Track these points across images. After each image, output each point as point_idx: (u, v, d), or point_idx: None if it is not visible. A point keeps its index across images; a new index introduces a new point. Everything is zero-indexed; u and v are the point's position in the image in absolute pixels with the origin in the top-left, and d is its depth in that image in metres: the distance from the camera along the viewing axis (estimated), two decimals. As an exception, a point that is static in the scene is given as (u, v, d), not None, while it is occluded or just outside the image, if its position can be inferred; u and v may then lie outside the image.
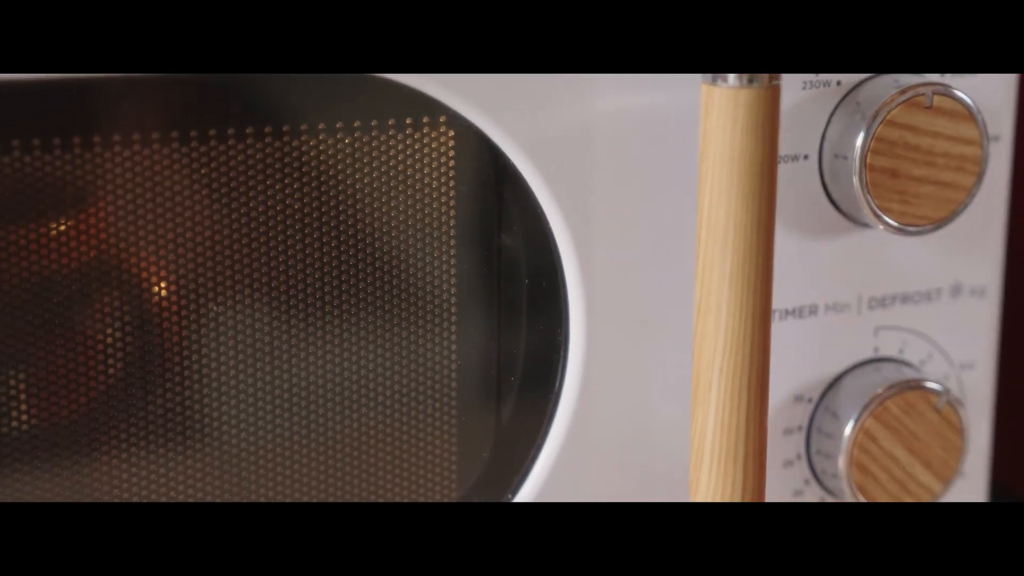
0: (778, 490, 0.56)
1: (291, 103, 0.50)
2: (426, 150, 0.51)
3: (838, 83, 0.53)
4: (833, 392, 0.55)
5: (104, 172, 0.48)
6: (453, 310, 0.53)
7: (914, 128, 0.52)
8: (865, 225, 0.54)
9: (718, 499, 0.48)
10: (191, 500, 0.51)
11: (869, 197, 0.52)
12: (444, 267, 0.52)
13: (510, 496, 0.54)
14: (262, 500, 0.52)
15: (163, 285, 0.50)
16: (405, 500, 0.53)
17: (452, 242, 0.52)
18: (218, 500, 0.51)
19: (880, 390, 0.54)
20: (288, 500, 0.52)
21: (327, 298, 0.51)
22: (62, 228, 0.48)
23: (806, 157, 0.53)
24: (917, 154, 0.52)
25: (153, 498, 0.51)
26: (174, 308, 0.50)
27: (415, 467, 0.53)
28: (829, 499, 0.56)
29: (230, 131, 0.49)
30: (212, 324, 0.50)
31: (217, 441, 0.51)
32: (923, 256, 0.56)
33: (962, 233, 0.56)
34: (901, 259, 0.55)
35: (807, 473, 0.56)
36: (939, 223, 0.53)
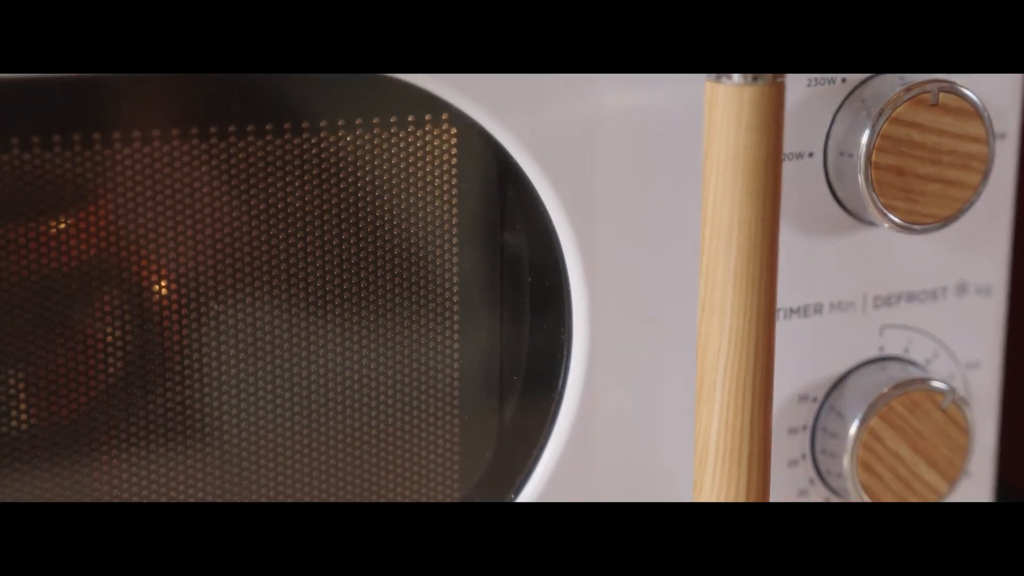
0: (783, 490, 0.56)
1: (293, 101, 0.49)
2: (429, 148, 0.51)
3: (843, 80, 0.53)
4: (838, 391, 0.55)
5: (104, 170, 0.48)
6: (456, 308, 0.52)
7: (920, 126, 0.52)
8: (870, 223, 0.54)
9: (722, 499, 0.48)
10: (191, 500, 0.51)
11: (874, 195, 0.52)
12: (447, 265, 0.52)
13: (513, 496, 0.54)
14: (263, 500, 0.52)
15: (164, 284, 0.49)
16: (407, 500, 0.53)
17: (455, 240, 0.52)
18: (219, 500, 0.51)
19: (885, 389, 0.54)
20: (289, 500, 0.52)
21: (329, 296, 0.51)
22: (62, 226, 0.48)
23: (811, 155, 0.53)
24: (923, 152, 0.52)
25: (153, 498, 0.50)
26: (175, 307, 0.49)
27: (417, 467, 0.53)
28: (834, 499, 0.56)
29: (231, 129, 0.49)
30: (213, 323, 0.50)
31: (218, 441, 0.51)
32: (929, 254, 0.55)
33: (968, 231, 0.55)
34: (906, 258, 0.55)
35: (812, 473, 0.56)
36: (945, 221, 0.53)
